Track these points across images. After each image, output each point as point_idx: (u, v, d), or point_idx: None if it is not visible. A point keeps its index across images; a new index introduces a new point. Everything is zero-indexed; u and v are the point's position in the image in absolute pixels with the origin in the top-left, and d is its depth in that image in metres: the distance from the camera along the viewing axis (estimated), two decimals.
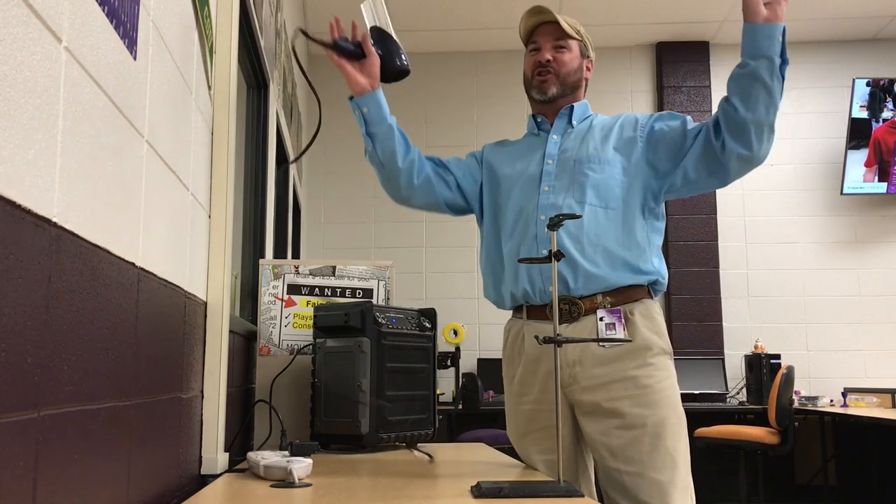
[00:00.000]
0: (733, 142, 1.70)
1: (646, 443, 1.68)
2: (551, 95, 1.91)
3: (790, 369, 4.69)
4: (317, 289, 2.38)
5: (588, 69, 1.98)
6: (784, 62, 1.66)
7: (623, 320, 1.74)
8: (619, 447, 1.70)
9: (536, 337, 1.54)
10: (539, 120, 1.97)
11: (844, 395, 5.22)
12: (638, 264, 1.77)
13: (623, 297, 1.77)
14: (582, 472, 1.86)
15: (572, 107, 1.94)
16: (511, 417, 1.92)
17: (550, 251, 1.46)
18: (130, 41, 1.16)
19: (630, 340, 1.72)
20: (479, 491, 1.35)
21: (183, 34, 1.50)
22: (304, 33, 1.82)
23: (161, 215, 1.35)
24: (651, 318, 1.77)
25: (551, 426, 1.80)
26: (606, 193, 1.80)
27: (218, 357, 1.72)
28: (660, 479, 1.67)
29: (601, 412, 1.73)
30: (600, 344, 1.72)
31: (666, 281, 1.85)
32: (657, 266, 1.82)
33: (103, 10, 1.03)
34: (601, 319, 1.74)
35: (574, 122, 1.93)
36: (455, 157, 2.04)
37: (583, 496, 1.34)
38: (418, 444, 2.20)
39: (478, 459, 1.94)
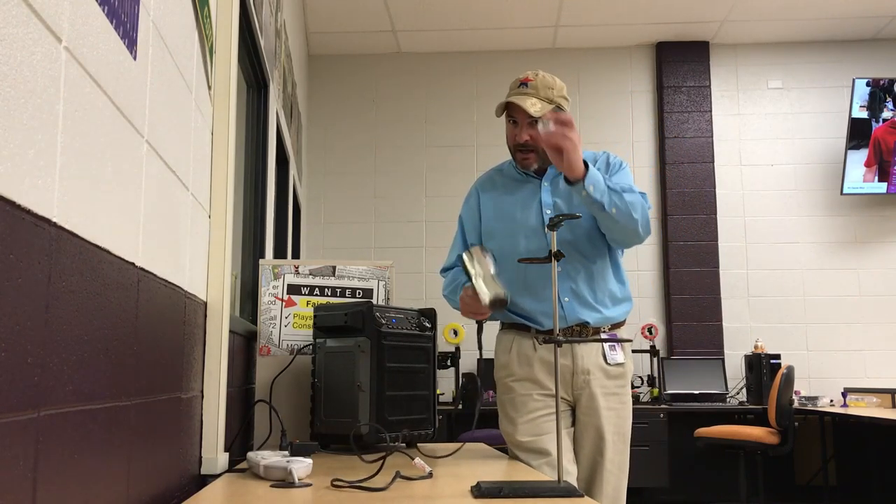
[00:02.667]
0: (617, 244, 2.07)
1: (619, 448, 2.04)
2: (534, 170, 2.09)
3: (790, 369, 4.68)
4: (317, 289, 2.38)
5: None
6: (604, 190, 1.86)
7: (621, 343, 2.07)
8: (605, 446, 2.02)
9: (537, 337, 1.90)
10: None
11: (844, 395, 5.22)
12: (628, 298, 2.11)
13: (617, 325, 2.11)
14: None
15: None
16: (513, 410, 2.02)
17: (550, 251, 1.52)
18: (130, 41, 1.16)
19: (630, 340, 2.02)
20: (479, 491, 1.35)
21: (183, 34, 1.50)
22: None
23: (161, 215, 1.35)
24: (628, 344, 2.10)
25: (550, 412, 2.03)
26: (601, 240, 2.04)
27: (218, 357, 1.72)
28: (620, 477, 2.04)
29: (598, 416, 2.02)
30: (607, 362, 2.04)
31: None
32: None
33: (103, 10, 1.03)
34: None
35: None
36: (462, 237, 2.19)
37: (582, 496, 1.34)
38: (419, 445, 2.20)
39: (478, 459, 1.94)
